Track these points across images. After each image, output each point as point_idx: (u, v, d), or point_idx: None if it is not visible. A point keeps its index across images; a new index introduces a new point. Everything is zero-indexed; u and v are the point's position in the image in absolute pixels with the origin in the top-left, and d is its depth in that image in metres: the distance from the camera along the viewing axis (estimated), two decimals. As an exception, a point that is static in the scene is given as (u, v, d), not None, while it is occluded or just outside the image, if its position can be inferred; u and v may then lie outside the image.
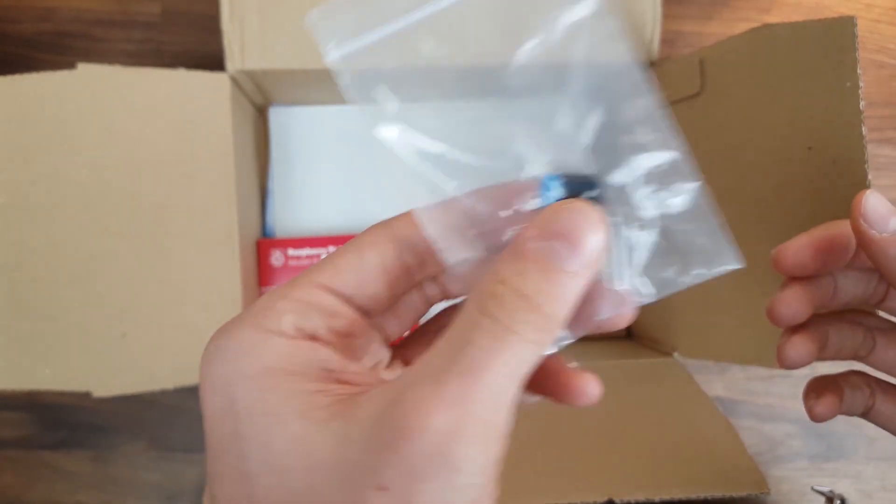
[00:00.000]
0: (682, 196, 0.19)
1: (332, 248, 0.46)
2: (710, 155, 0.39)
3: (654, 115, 0.19)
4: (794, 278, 0.26)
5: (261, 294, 0.46)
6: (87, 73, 0.37)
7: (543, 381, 0.19)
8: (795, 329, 0.27)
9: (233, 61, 0.40)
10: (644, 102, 0.19)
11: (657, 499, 0.30)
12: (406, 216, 0.20)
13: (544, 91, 0.19)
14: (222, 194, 0.40)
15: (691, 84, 0.39)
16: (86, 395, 0.36)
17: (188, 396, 0.46)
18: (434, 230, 0.19)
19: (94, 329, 0.37)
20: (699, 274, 0.20)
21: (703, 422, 0.35)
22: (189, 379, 0.37)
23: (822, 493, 0.43)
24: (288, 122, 0.48)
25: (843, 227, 0.25)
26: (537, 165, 0.19)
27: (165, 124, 0.38)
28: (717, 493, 0.30)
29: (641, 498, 0.30)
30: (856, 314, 0.28)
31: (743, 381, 0.50)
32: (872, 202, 0.24)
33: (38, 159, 0.36)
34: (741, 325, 0.37)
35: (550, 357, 0.18)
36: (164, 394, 0.37)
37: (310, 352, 0.18)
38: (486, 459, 0.15)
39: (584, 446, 0.33)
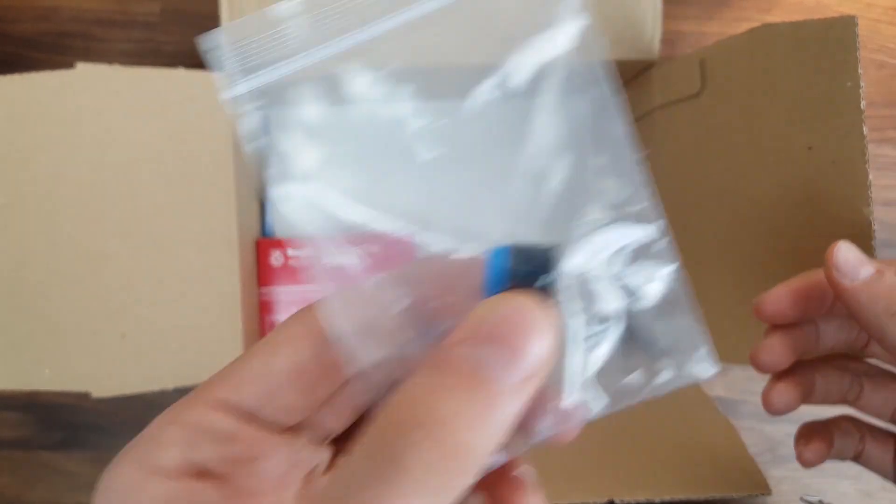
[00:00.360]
0: (655, 283, 0.16)
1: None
2: (710, 155, 0.39)
3: (630, 173, 0.16)
4: (776, 326, 0.27)
5: (260, 295, 0.46)
6: (87, 73, 0.37)
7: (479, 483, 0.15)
8: (781, 375, 0.27)
9: (232, 61, 0.40)
10: (618, 155, 0.16)
11: (658, 499, 0.30)
12: None
13: (500, 140, 0.15)
14: (222, 194, 0.40)
15: (692, 84, 0.39)
16: (85, 396, 0.36)
17: (188, 396, 0.46)
18: (343, 326, 0.15)
19: (93, 329, 0.37)
20: (666, 383, 0.16)
21: (703, 422, 0.35)
22: (189, 379, 0.37)
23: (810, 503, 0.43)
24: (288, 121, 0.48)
25: (820, 276, 0.26)
26: (482, 240, 0.16)
27: (165, 124, 0.38)
28: (718, 494, 0.30)
29: (642, 499, 0.30)
30: (843, 360, 0.28)
31: (743, 381, 0.50)
32: (843, 253, 0.24)
33: (38, 159, 0.36)
34: (741, 325, 0.37)
35: None
36: (163, 394, 0.37)
37: (191, 495, 0.15)
38: None
39: (585, 447, 0.33)
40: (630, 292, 0.16)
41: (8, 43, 0.48)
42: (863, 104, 0.30)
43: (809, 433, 0.28)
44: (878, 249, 0.30)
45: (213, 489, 0.15)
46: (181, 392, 0.37)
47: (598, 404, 0.16)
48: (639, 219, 0.16)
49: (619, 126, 0.16)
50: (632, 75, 0.45)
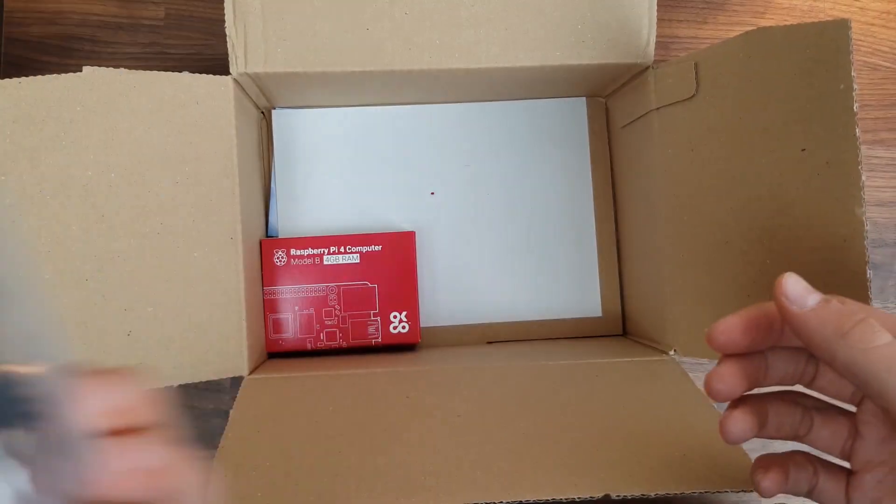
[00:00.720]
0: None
1: (333, 249, 0.46)
2: (705, 157, 0.39)
3: None
4: (728, 355, 0.28)
5: (264, 294, 0.46)
6: (93, 76, 0.38)
7: None
8: (737, 403, 0.28)
9: (236, 65, 0.40)
10: None
11: (653, 494, 0.30)
12: None
13: None
14: (226, 195, 0.40)
15: (686, 87, 0.40)
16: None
17: (192, 394, 0.47)
18: None
19: (99, 327, 0.37)
20: None
21: (699, 419, 0.35)
22: (193, 377, 0.38)
23: None
24: (291, 124, 0.49)
25: (769, 307, 0.27)
26: None
27: (170, 127, 0.39)
28: (713, 490, 0.31)
29: (637, 493, 0.30)
30: (794, 395, 0.29)
31: (740, 381, 0.51)
32: (792, 283, 0.25)
33: (45, 161, 0.37)
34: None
35: None
36: (167, 391, 0.37)
37: None
38: None
39: (581, 442, 0.33)
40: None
41: (16, 46, 0.48)
42: (856, 106, 0.31)
43: (767, 464, 0.28)
44: (870, 249, 0.31)
45: None
46: (185, 389, 0.38)
47: None
48: None
49: None
50: (627, 79, 0.46)
